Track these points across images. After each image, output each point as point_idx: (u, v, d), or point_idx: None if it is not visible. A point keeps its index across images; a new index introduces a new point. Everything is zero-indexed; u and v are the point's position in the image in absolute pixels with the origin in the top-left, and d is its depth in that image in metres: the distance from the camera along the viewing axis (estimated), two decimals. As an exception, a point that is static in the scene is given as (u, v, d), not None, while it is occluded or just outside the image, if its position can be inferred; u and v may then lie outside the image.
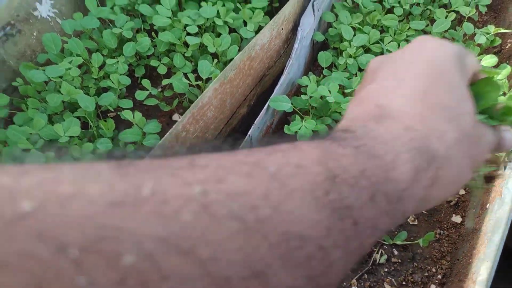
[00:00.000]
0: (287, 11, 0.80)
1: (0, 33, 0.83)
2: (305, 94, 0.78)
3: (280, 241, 0.17)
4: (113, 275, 0.13)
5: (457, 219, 0.80)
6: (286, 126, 0.74)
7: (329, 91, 0.75)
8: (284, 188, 0.18)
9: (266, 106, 0.73)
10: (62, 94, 0.75)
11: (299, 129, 0.73)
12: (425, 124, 0.25)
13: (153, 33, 0.87)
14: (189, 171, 0.16)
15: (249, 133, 0.70)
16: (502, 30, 0.90)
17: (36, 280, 0.12)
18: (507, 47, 0.98)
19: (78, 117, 0.76)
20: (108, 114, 0.88)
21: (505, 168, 0.36)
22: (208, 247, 0.15)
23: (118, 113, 0.88)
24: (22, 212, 0.13)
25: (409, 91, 0.26)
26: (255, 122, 0.71)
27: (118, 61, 0.81)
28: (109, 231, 0.13)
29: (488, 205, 0.74)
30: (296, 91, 0.92)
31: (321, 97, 0.77)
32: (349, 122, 0.25)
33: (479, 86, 0.31)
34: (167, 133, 0.61)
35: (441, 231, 0.78)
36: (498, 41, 0.92)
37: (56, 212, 0.13)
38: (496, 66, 0.85)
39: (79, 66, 0.81)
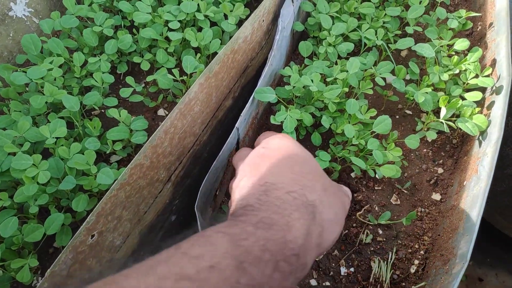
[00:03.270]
0: (267, 3, 0.81)
1: (-25, 35, 0.81)
2: (288, 84, 0.79)
3: None
4: None
5: (436, 196, 0.84)
6: (272, 116, 0.76)
7: (312, 80, 0.77)
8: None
9: (251, 98, 0.74)
10: (45, 95, 0.75)
11: (285, 118, 0.74)
12: (298, 185, 0.35)
13: (133, 30, 0.87)
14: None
15: (236, 125, 0.71)
16: (473, 14, 0.94)
17: None
18: (478, 29, 1.02)
19: (62, 117, 0.76)
20: (92, 113, 0.88)
21: None
22: None
23: (102, 111, 0.88)
24: None
25: (279, 169, 0.36)
26: (242, 114, 0.72)
27: (100, 59, 0.81)
28: None
29: (465, 182, 0.78)
30: (279, 81, 0.94)
31: (304, 87, 0.79)
32: (244, 201, 0.33)
33: None
34: (156, 130, 0.62)
35: (422, 209, 0.82)
36: (470, 24, 0.95)
37: None
38: (469, 49, 0.89)
39: (60, 66, 0.80)
